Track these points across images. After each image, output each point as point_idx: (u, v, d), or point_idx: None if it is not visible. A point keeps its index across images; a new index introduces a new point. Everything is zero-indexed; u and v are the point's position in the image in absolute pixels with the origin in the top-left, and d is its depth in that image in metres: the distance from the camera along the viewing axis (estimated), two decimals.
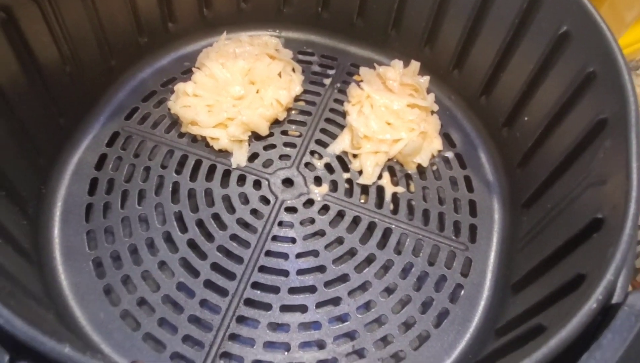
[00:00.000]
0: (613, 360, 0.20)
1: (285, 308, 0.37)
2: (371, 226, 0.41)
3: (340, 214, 0.41)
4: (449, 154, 0.46)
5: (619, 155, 0.27)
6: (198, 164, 0.43)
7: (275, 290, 0.37)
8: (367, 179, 0.43)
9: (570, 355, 0.21)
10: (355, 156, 0.44)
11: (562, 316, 0.22)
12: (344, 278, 0.38)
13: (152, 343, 0.35)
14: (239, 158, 0.43)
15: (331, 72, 0.51)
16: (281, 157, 0.44)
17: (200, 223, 0.40)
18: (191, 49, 0.51)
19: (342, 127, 0.46)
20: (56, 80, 0.40)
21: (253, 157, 0.44)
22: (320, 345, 0.36)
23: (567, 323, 0.21)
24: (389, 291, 0.38)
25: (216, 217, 0.40)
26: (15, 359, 0.18)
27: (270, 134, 0.45)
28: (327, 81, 0.50)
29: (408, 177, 0.44)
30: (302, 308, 0.37)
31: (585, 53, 0.34)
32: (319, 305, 0.37)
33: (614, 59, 0.31)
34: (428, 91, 0.48)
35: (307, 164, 0.44)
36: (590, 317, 0.21)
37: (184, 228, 0.39)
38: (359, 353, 0.36)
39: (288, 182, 0.43)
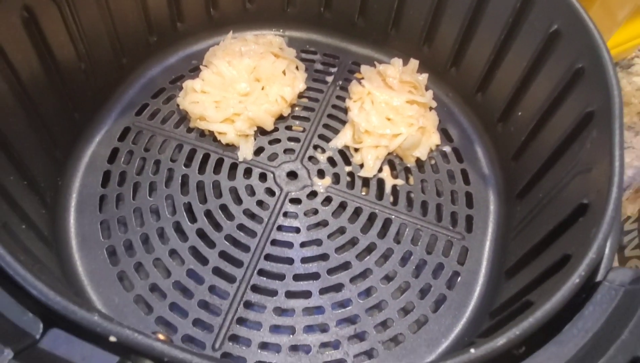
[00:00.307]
0: (594, 329, 0.22)
1: (290, 294, 0.38)
2: (372, 217, 0.43)
3: (342, 206, 0.43)
4: (447, 149, 0.48)
5: (603, 144, 0.29)
6: (206, 157, 0.45)
7: (280, 277, 0.39)
8: (368, 172, 0.45)
9: (556, 327, 0.23)
10: (356, 150, 0.46)
11: (548, 291, 0.24)
12: (346, 266, 0.40)
13: (163, 327, 0.37)
14: (246, 152, 0.45)
15: (333, 70, 0.53)
16: (286, 151, 0.46)
17: (208, 214, 0.42)
18: (199, 47, 0.52)
19: (344, 122, 0.48)
20: (72, 77, 0.41)
21: (259, 151, 0.46)
22: (324, 328, 0.37)
23: (552, 296, 0.22)
24: (388, 278, 0.40)
25: (224, 208, 0.42)
26: (49, 327, 0.20)
27: (275, 129, 0.47)
28: (329, 79, 0.52)
29: (407, 170, 0.46)
30: (306, 294, 0.39)
31: (574, 50, 0.36)
32: (323, 291, 0.39)
33: (600, 55, 0.33)
34: (426, 88, 0.49)
35: (310, 158, 0.46)
36: (574, 291, 0.23)
37: (193, 218, 0.41)
38: (360, 336, 0.37)
39: (292, 175, 0.44)
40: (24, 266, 0.21)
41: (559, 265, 0.27)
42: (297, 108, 0.49)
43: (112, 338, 0.20)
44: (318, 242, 0.41)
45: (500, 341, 0.21)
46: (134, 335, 0.20)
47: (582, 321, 0.22)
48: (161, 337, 0.22)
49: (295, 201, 0.43)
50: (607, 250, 0.26)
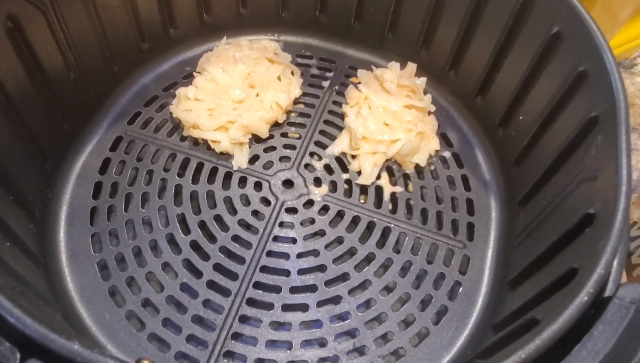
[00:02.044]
0: (604, 351, 0.20)
1: (286, 307, 0.37)
2: (370, 226, 0.42)
3: (340, 215, 0.42)
4: (446, 154, 0.47)
5: (609, 151, 0.28)
6: (200, 167, 0.44)
7: (276, 289, 0.38)
8: (366, 179, 0.44)
9: (564, 348, 0.22)
10: (354, 156, 0.45)
11: (555, 309, 0.23)
12: (344, 277, 0.39)
13: (156, 343, 0.36)
14: (240, 160, 0.44)
15: (329, 74, 0.52)
16: (281, 159, 0.45)
17: (202, 225, 0.41)
18: (192, 54, 0.52)
19: (340, 128, 0.47)
20: (61, 86, 0.40)
21: (254, 159, 0.45)
22: (322, 343, 0.36)
23: (559, 316, 0.21)
24: (388, 289, 0.39)
25: (218, 219, 0.41)
26: (26, 357, 0.19)
27: (271, 137, 0.46)
28: (325, 84, 0.51)
29: (406, 177, 0.45)
30: (304, 307, 0.37)
31: (577, 53, 0.35)
32: (320, 303, 0.38)
33: (603, 58, 0.32)
34: (425, 92, 0.48)
35: (306, 166, 0.45)
36: (582, 310, 0.22)
37: (186, 230, 0.40)
38: (360, 350, 0.36)
39: (288, 183, 0.43)
40: (0, 290, 0.20)
41: (565, 279, 0.26)
42: (292, 114, 0.48)
43: None
44: (315, 253, 0.40)
45: None
46: None
47: (591, 342, 0.21)
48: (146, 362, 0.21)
49: (292, 210, 0.42)
50: (615, 263, 0.25)
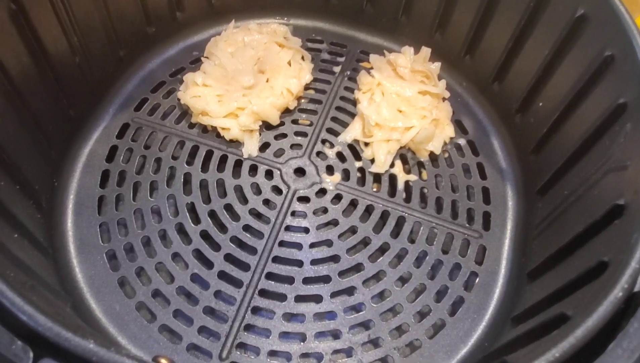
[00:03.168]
0: None
1: (300, 299, 0.37)
2: (384, 215, 0.41)
3: (353, 204, 0.41)
4: (462, 141, 0.45)
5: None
6: (209, 154, 0.43)
7: (289, 280, 0.37)
8: (380, 167, 0.43)
9: (593, 345, 0.21)
10: (367, 144, 0.44)
11: (587, 305, 0.22)
12: (358, 268, 0.38)
13: (168, 335, 0.35)
14: (250, 148, 0.43)
15: (341, 59, 0.50)
16: (292, 146, 0.44)
17: (212, 214, 0.40)
18: (199, 38, 0.50)
19: (353, 115, 0.46)
20: (66, 71, 0.39)
21: (264, 147, 0.44)
22: (336, 335, 0.36)
23: (593, 312, 0.20)
24: (403, 280, 0.38)
25: (229, 208, 0.40)
26: (40, 356, 0.18)
27: (281, 124, 0.45)
28: (336, 69, 0.49)
29: (420, 165, 0.44)
30: (317, 298, 0.37)
31: (603, 36, 0.34)
32: (334, 294, 0.37)
33: (632, 42, 0.31)
34: (439, 78, 0.47)
35: (318, 153, 0.44)
36: (616, 306, 0.21)
37: (196, 220, 0.39)
38: (375, 342, 0.36)
39: (300, 171, 0.42)
40: (11, 286, 0.19)
41: (594, 273, 0.25)
42: (303, 101, 0.47)
43: None
44: (328, 243, 0.39)
45: None
46: None
47: (627, 340, 0.20)
48: (164, 361, 0.20)
49: (304, 199, 0.41)
50: None
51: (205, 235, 0.39)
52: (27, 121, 0.35)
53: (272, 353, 0.35)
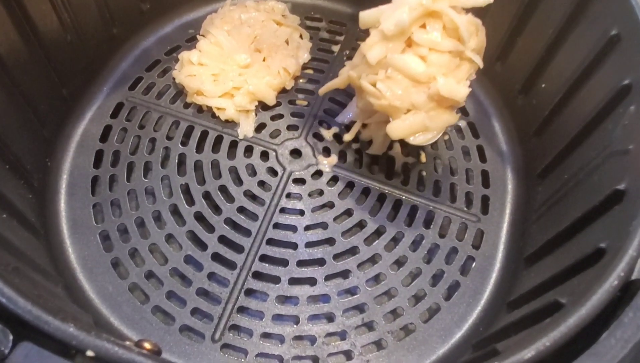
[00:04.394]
0: (634, 339, 0.19)
1: (294, 281, 0.36)
2: (381, 198, 0.40)
3: (350, 186, 0.41)
4: (461, 123, 0.44)
5: None
6: (204, 135, 0.42)
7: (283, 262, 0.37)
8: (377, 149, 0.42)
9: (587, 333, 0.21)
10: (364, 125, 0.43)
11: (581, 292, 0.21)
12: (353, 251, 0.38)
13: (161, 316, 0.35)
14: (246, 129, 0.42)
15: (340, 38, 0.49)
16: (289, 127, 0.43)
17: (207, 195, 0.39)
18: (195, 15, 0.49)
19: (351, 96, 0.45)
20: (57, 49, 0.39)
21: (260, 127, 0.43)
22: (330, 317, 0.36)
23: (587, 301, 0.20)
24: (399, 263, 0.38)
25: (223, 189, 0.40)
26: (20, 339, 0.18)
27: (278, 104, 0.44)
28: (335, 48, 0.48)
29: (419, 147, 0.43)
30: (311, 281, 0.36)
31: (608, 16, 0.32)
32: (328, 277, 0.37)
33: (638, 21, 0.30)
34: None
35: (315, 135, 0.43)
36: (611, 294, 0.20)
37: (190, 201, 0.39)
38: (369, 325, 0.35)
39: (296, 153, 0.42)
40: None
41: (590, 260, 0.25)
42: (301, 81, 0.46)
43: (90, 353, 0.18)
44: (323, 225, 0.39)
45: (528, 354, 0.19)
46: (114, 350, 0.18)
47: (621, 329, 0.19)
48: (148, 345, 0.20)
49: (299, 181, 0.40)
50: None
51: (199, 217, 0.38)
52: (16, 99, 0.35)
53: (265, 336, 0.35)
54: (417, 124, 0.33)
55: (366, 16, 0.33)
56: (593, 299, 0.20)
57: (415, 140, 0.34)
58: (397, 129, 0.33)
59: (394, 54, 0.32)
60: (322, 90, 0.40)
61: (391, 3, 0.33)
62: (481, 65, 0.34)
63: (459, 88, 0.32)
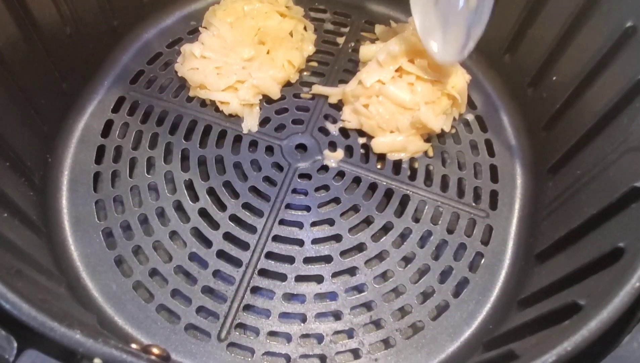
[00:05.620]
0: None
1: (300, 279, 0.36)
2: (388, 193, 0.39)
3: (356, 181, 0.40)
4: (469, 117, 0.44)
5: None
6: (208, 129, 0.41)
7: (290, 259, 0.36)
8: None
9: (607, 337, 0.20)
10: None
11: (600, 294, 0.21)
12: (360, 247, 0.37)
13: (166, 315, 0.35)
14: (250, 123, 0.41)
15: (345, 30, 0.48)
16: (294, 121, 0.42)
17: (211, 192, 0.39)
18: (197, 6, 0.48)
19: None
20: (56, 42, 0.38)
21: (265, 122, 0.42)
22: (337, 315, 0.35)
23: (608, 303, 0.19)
24: (406, 260, 0.37)
25: (228, 185, 0.39)
26: (24, 347, 0.17)
27: (282, 98, 0.43)
28: (340, 40, 0.47)
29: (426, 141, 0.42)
30: (318, 278, 0.36)
31: (624, 6, 0.32)
32: (335, 274, 0.36)
33: None
34: None
35: (321, 129, 0.42)
36: (633, 296, 0.20)
37: (194, 197, 0.38)
38: (376, 323, 0.35)
39: (301, 148, 0.41)
40: None
41: (608, 259, 0.24)
42: (305, 74, 0.45)
43: (97, 361, 0.17)
44: (330, 222, 0.38)
45: (550, 359, 0.18)
46: (122, 357, 0.17)
47: None
48: (156, 351, 0.19)
49: (305, 176, 0.40)
50: None
51: (203, 213, 0.38)
52: (15, 94, 0.34)
53: (272, 334, 0.34)
54: (398, 144, 0.40)
55: (366, 50, 0.43)
56: (614, 301, 0.19)
57: (391, 157, 0.41)
58: (380, 144, 0.40)
59: (386, 82, 0.39)
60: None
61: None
62: (460, 100, 0.41)
63: (436, 119, 0.39)
